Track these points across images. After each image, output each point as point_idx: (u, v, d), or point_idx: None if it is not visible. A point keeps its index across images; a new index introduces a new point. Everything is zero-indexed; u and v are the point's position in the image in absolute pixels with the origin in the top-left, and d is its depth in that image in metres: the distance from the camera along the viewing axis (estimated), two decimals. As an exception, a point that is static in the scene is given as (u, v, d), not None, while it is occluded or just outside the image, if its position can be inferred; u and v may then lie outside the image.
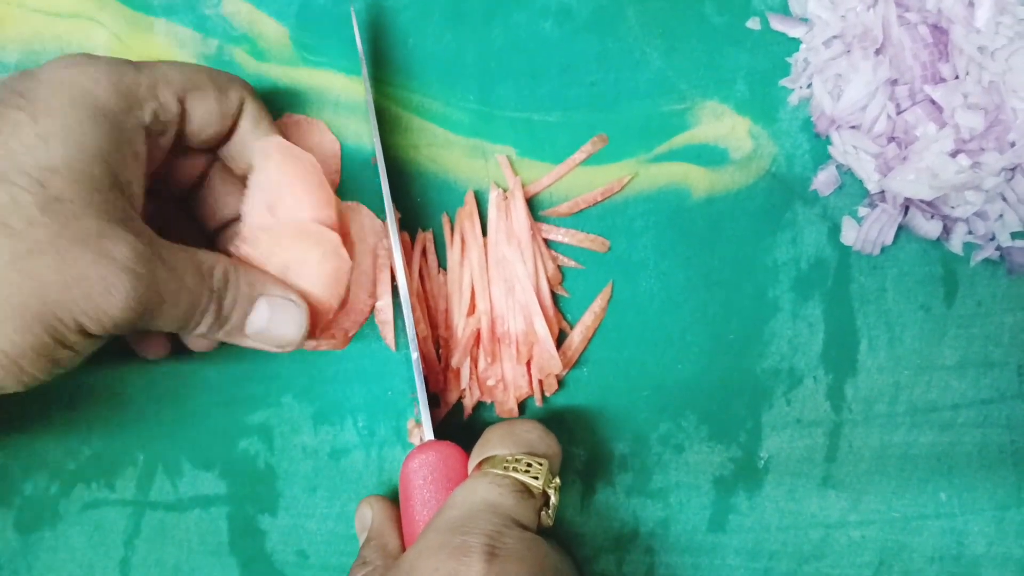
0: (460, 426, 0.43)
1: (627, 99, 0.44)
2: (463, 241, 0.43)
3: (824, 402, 0.43)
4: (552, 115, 0.44)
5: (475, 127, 0.44)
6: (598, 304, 0.43)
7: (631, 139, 0.43)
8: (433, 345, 0.43)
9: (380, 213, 0.42)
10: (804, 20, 0.43)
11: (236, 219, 0.40)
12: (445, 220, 0.43)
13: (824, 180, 0.43)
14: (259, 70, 0.44)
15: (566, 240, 0.43)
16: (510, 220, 0.42)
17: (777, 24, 0.43)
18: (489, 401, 0.43)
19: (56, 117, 0.31)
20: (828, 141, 0.43)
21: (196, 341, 0.40)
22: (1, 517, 0.43)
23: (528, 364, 0.42)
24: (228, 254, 0.38)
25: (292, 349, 0.37)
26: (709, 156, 0.43)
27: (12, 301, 0.29)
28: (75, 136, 0.31)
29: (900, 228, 0.42)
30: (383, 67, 0.44)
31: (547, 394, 0.42)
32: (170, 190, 0.39)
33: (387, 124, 0.44)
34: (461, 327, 0.42)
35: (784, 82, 0.43)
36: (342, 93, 0.44)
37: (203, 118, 0.36)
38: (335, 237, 0.37)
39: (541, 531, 0.35)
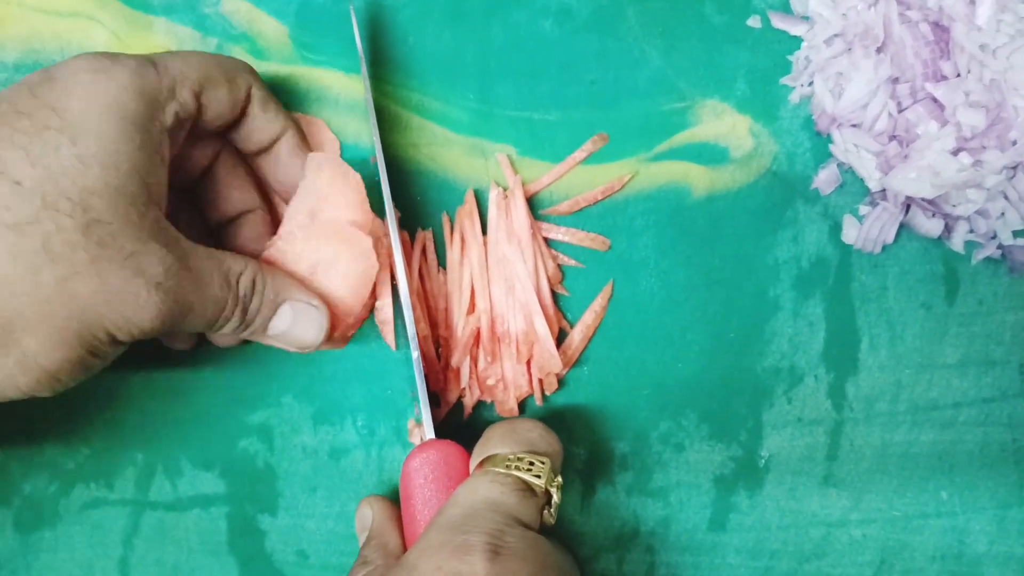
0: (460, 425, 0.43)
1: (627, 98, 0.44)
2: (463, 240, 0.43)
3: (825, 401, 0.42)
4: (552, 114, 0.44)
5: (475, 126, 0.44)
6: (598, 303, 0.43)
7: (631, 138, 0.43)
8: (433, 344, 0.43)
9: (380, 212, 0.42)
10: (805, 18, 0.43)
11: (241, 213, 0.40)
12: (445, 219, 0.43)
13: (825, 178, 0.43)
14: (258, 69, 0.43)
15: (566, 239, 0.43)
16: (510, 219, 0.42)
17: (778, 22, 0.43)
18: (489, 400, 0.42)
19: (92, 136, 0.31)
20: (829, 139, 0.43)
21: (220, 338, 0.41)
22: (0, 517, 0.43)
23: (528, 363, 0.42)
24: (237, 248, 0.40)
25: (312, 351, 0.38)
26: (710, 155, 0.43)
27: (54, 322, 0.30)
28: (112, 157, 0.31)
29: (901, 226, 0.42)
30: (383, 65, 0.44)
31: (547, 393, 0.42)
32: (176, 181, 0.39)
33: (387, 123, 0.44)
34: (461, 326, 0.42)
35: (785, 80, 0.43)
36: (341, 92, 0.44)
37: (216, 110, 0.36)
38: (368, 241, 0.38)
39: (543, 530, 0.35)
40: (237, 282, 0.35)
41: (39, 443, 0.43)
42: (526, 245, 0.42)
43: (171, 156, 0.35)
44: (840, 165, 0.43)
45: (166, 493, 0.43)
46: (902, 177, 0.39)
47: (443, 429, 0.42)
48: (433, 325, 0.43)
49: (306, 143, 0.40)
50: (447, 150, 0.44)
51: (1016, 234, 0.41)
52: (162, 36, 0.44)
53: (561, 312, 0.43)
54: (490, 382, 0.42)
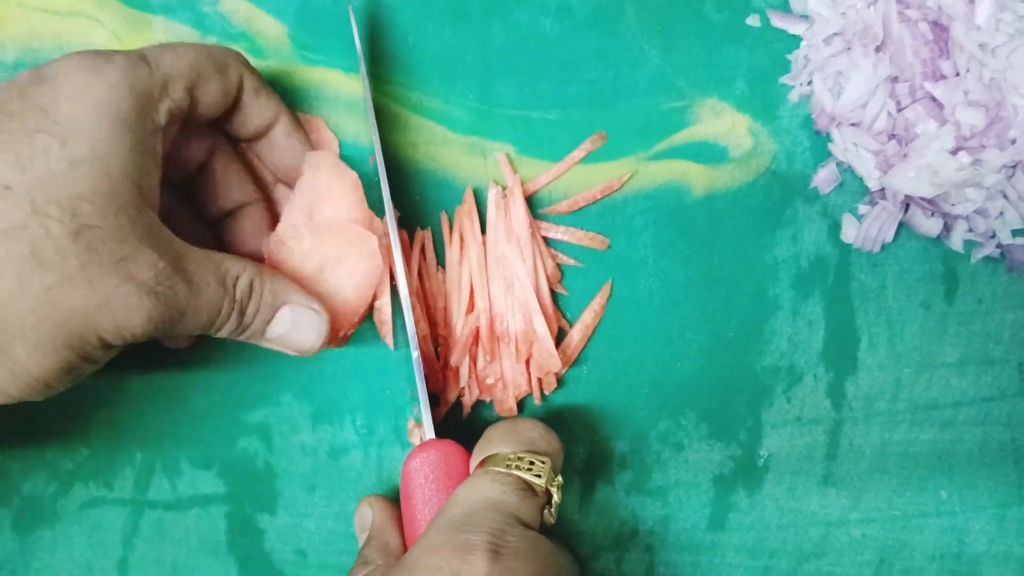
0: (459, 425, 0.43)
1: (626, 97, 0.44)
2: (462, 239, 0.43)
3: (824, 400, 0.42)
4: (551, 113, 0.44)
5: (474, 125, 0.44)
6: (597, 302, 0.43)
7: (630, 137, 0.43)
8: (432, 344, 0.43)
9: (379, 211, 0.42)
10: (804, 17, 0.43)
11: (239, 206, 0.40)
12: (444, 218, 0.43)
13: (824, 177, 0.43)
14: (257, 68, 0.44)
15: (565, 238, 0.43)
16: (509, 218, 0.42)
17: (777, 21, 0.43)
18: (488, 400, 0.42)
19: (83, 138, 0.30)
20: (828, 138, 0.43)
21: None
22: (-1, 517, 0.43)
23: (527, 362, 0.42)
24: (237, 241, 0.39)
25: (311, 355, 0.38)
26: (709, 154, 0.43)
27: (43, 330, 0.30)
28: (103, 160, 0.31)
29: (900, 225, 0.42)
30: (382, 65, 0.44)
31: (546, 392, 0.42)
32: (172, 177, 0.39)
33: (386, 122, 0.44)
34: (460, 325, 0.42)
35: (784, 79, 0.43)
36: (341, 91, 0.44)
37: (209, 102, 0.36)
38: (374, 240, 0.39)
39: (543, 529, 0.35)
40: (234, 285, 0.34)
41: (38, 443, 0.43)
42: (525, 244, 0.42)
43: (165, 152, 0.35)
44: (839, 164, 0.43)
45: (165, 493, 0.43)
46: (901, 176, 0.39)
47: (442, 428, 0.42)
48: (432, 324, 0.43)
49: (301, 126, 0.40)
50: (446, 149, 0.44)
51: (1015, 233, 0.41)
52: (161, 35, 0.44)
53: (560, 311, 0.43)
54: (489, 381, 0.42)
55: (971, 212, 0.40)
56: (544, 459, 0.36)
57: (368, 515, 0.39)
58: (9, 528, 0.43)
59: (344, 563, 0.43)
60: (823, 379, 0.43)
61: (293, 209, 0.39)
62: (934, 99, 0.39)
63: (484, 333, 0.42)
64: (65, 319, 0.30)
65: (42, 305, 0.29)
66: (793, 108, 0.43)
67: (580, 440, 0.43)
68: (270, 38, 0.44)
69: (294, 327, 0.36)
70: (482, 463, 0.37)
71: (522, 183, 0.43)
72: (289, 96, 0.43)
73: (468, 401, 0.42)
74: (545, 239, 0.43)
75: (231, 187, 0.40)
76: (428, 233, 0.43)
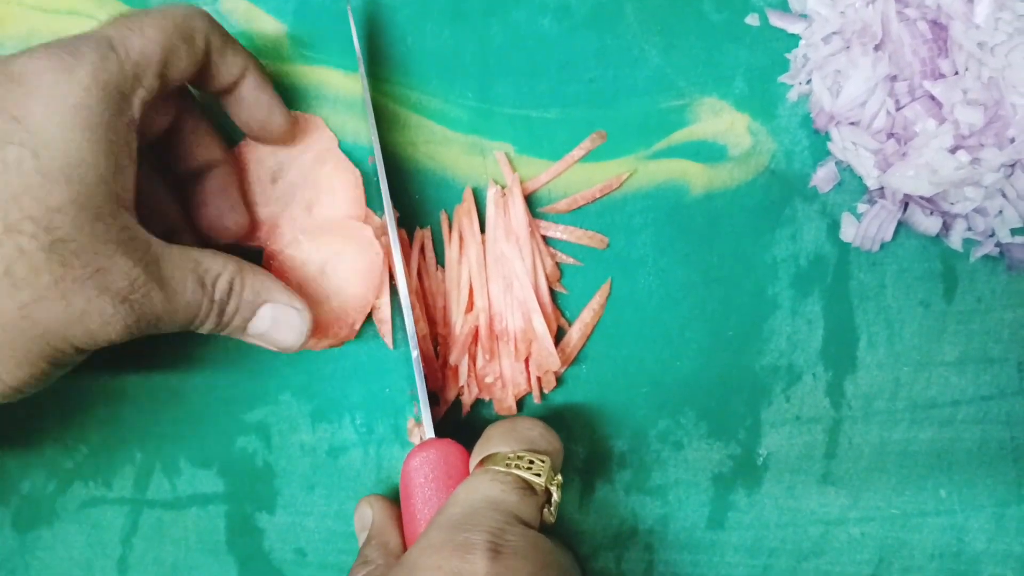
0: (459, 424, 0.43)
1: (626, 96, 0.44)
2: (461, 238, 0.43)
3: (823, 399, 0.42)
4: (551, 112, 0.44)
5: (473, 124, 0.44)
6: (597, 301, 0.43)
7: (630, 136, 0.43)
8: (431, 343, 0.43)
9: (378, 211, 0.42)
10: (803, 16, 0.43)
11: (204, 167, 0.40)
12: (443, 217, 0.43)
13: (823, 176, 0.43)
14: (256, 67, 0.44)
15: (564, 237, 0.43)
16: (508, 217, 0.42)
17: (776, 20, 0.43)
18: (487, 398, 0.42)
19: (57, 147, 0.30)
20: (827, 137, 0.43)
21: None
22: (-2, 516, 0.43)
23: (526, 361, 0.42)
24: (203, 199, 0.39)
25: (293, 352, 0.38)
26: (708, 153, 0.43)
27: (16, 344, 0.30)
28: (77, 169, 0.30)
29: (899, 224, 0.42)
30: (381, 64, 0.44)
31: (546, 391, 0.42)
32: (140, 144, 0.39)
33: (385, 121, 0.43)
34: (459, 324, 0.42)
35: (783, 78, 0.43)
36: (340, 90, 0.44)
37: (178, 76, 0.35)
38: (369, 230, 0.39)
39: (543, 528, 0.35)
40: (213, 285, 0.34)
41: (37, 442, 0.43)
42: (524, 243, 0.42)
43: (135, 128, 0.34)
44: (838, 163, 0.43)
45: (164, 492, 0.43)
46: (900, 175, 0.39)
47: (442, 428, 0.42)
48: (431, 323, 0.43)
49: (269, 81, 0.39)
50: (445, 148, 0.44)
51: (1014, 232, 0.41)
52: (160, 34, 0.44)
53: (559, 310, 0.43)
54: (488, 380, 0.42)
55: (970, 211, 0.40)
56: (544, 458, 0.36)
57: (368, 514, 0.39)
58: (8, 527, 0.43)
59: (343, 562, 0.43)
60: (822, 378, 0.43)
61: (292, 204, 0.39)
62: (933, 98, 0.39)
63: (483, 332, 0.42)
64: (40, 335, 0.30)
65: (16, 323, 0.29)
66: (792, 107, 0.43)
67: (579, 439, 0.43)
68: (269, 37, 0.44)
69: (275, 325, 0.36)
70: (482, 462, 0.37)
71: (521, 182, 0.43)
72: (288, 95, 0.43)
73: (467, 400, 0.42)
74: (544, 238, 0.43)
75: (197, 149, 0.39)
76: (427, 232, 0.43)
